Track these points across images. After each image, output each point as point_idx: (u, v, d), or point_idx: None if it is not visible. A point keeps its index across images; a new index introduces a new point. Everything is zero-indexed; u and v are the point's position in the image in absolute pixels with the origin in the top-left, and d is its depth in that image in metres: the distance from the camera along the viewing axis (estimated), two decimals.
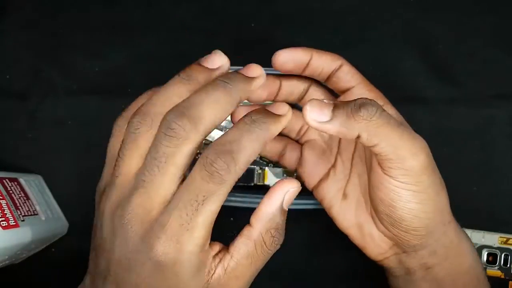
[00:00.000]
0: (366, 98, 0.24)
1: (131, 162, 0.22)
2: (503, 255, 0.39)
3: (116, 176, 0.22)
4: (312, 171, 0.32)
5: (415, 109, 0.40)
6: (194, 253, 0.21)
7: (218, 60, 0.25)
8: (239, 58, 0.42)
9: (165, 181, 0.21)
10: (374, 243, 0.30)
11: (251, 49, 0.42)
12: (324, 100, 0.24)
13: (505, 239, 0.39)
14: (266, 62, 0.42)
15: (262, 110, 0.23)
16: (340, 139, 0.32)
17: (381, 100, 0.29)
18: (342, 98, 0.30)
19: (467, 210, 0.40)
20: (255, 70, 0.25)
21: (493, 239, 0.39)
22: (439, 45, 0.41)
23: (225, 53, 0.41)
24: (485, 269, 0.39)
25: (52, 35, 0.42)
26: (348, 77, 0.29)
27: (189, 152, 0.21)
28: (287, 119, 0.23)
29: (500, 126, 0.40)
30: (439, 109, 0.41)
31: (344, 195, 0.31)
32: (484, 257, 0.39)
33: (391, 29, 0.41)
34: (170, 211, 0.21)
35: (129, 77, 0.41)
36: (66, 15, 0.42)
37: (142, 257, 0.21)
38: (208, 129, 0.22)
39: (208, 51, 0.42)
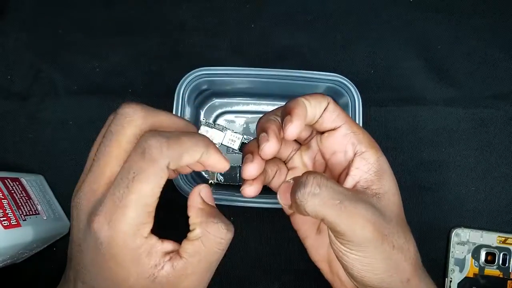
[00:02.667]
0: (304, 174, 0.24)
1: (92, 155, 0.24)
2: (501, 255, 0.39)
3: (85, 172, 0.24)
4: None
5: (414, 109, 0.41)
6: (129, 235, 0.21)
7: None
8: (238, 58, 0.42)
9: (110, 161, 0.22)
10: (341, 282, 0.30)
11: (251, 49, 0.42)
12: (290, 180, 0.25)
13: (503, 238, 0.39)
14: (266, 62, 0.42)
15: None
16: None
17: (366, 142, 0.27)
18: (326, 135, 0.28)
19: (466, 210, 0.40)
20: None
21: (491, 238, 0.39)
22: (438, 45, 0.41)
23: (225, 53, 0.42)
24: (483, 268, 0.39)
25: (53, 35, 0.42)
26: (334, 116, 0.27)
27: (132, 133, 0.23)
28: (225, 164, 0.25)
29: (498, 126, 0.40)
30: (437, 109, 0.41)
31: (318, 230, 0.31)
32: (483, 257, 0.39)
33: (390, 30, 0.41)
34: (109, 189, 0.22)
35: (129, 77, 0.41)
36: (66, 15, 0.42)
37: (88, 237, 0.22)
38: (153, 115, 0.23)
39: (208, 51, 0.42)
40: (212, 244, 0.23)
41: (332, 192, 0.23)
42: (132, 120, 0.23)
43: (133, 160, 0.21)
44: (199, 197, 0.25)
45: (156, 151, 0.21)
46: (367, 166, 0.26)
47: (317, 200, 0.23)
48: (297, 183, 0.24)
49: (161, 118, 0.24)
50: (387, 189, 0.26)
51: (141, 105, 0.23)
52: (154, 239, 0.23)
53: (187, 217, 0.33)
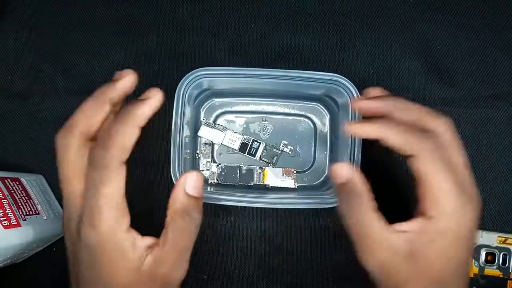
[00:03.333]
0: None
1: None
2: (501, 255, 0.39)
3: None
4: None
5: None
6: (110, 232, 0.25)
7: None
8: (238, 58, 0.42)
9: (73, 184, 0.26)
10: None
11: (251, 49, 0.42)
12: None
13: (503, 238, 0.39)
14: (266, 62, 0.42)
15: (134, 100, 0.26)
16: None
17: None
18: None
19: None
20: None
21: (491, 238, 0.39)
22: (438, 45, 0.41)
23: (225, 53, 0.42)
24: (483, 268, 0.39)
25: (53, 35, 0.42)
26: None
27: (73, 153, 0.26)
28: (154, 102, 0.26)
29: (498, 126, 0.40)
30: (437, 109, 0.40)
31: None
32: (483, 257, 0.39)
33: (390, 30, 0.41)
34: (83, 203, 0.25)
35: None
36: (67, 15, 0.42)
37: (80, 247, 0.25)
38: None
39: (208, 51, 0.42)
40: (176, 235, 0.26)
41: None
42: (66, 144, 0.26)
43: (89, 173, 0.25)
44: (183, 184, 0.27)
45: (100, 158, 0.24)
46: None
47: None
48: None
49: (80, 123, 0.26)
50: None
51: (61, 130, 0.26)
52: (134, 233, 0.26)
53: None
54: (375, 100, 0.29)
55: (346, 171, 0.27)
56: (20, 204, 0.35)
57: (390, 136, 0.26)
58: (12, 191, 0.35)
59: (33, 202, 0.36)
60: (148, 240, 0.26)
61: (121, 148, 0.25)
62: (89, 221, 0.25)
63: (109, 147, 0.24)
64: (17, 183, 0.36)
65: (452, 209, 0.25)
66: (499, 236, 0.39)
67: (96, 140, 0.25)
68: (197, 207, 0.27)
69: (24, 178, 0.38)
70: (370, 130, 0.27)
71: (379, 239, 0.26)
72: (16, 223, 0.33)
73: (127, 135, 0.25)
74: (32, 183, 0.38)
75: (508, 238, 0.39)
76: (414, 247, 0.26)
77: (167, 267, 0.26)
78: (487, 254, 0.39)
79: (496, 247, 0.39)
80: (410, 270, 0.26)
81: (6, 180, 0.35)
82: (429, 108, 0.28)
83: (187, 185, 0.27)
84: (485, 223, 0.40)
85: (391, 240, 0.26)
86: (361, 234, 0.26)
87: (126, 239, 0.25)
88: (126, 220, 0.26)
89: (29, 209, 0.35)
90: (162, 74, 0.42)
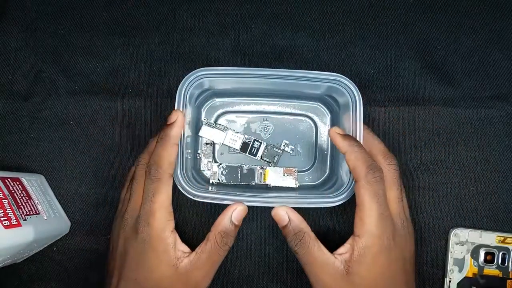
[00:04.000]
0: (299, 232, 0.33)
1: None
2: (500, 254, 0.39)
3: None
4: None
5: (413, 109, 0.41)
6: (161, 229, 0.32)
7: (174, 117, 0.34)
8: (238, 58, 0.42)
9: (138, 195, 0.34)
10: None
11: (251, 49, 0.42)
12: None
13: (502, 238, 0.39)
14: (266, 62, 0.42)
15: (166, 126, 0.34)
16: None
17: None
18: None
19: (465, 210, 0.40)
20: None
21: (490, 238, 0.39)
22: (438, 45, 0.41)
23: (225, 53, 0.42)
24: (482, 268, 0.39)
25: (53, 36, 0.42)
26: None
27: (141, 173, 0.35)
28: (178, 123, 0.34)
29: (497, 126, 0.41)
30: (437, 109, 0.41)
31: None
32: (482, 256, 0.39)
33: (390, 30, 0.42)
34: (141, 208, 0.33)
35: (130, 77, 0.41)
36: (67, 16, 0.42)
37: (133, 241, 0.33)
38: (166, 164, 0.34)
39: (208, 51, 0.42)
40: (214, 248, 0.33)
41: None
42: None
43: (146, 185, 0.33)
44: (231, 213, 0.33)
45: (157, 174, 0.33)
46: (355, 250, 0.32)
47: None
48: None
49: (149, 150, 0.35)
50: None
51: (145, 153, 0.36)
52: (177, 236, 0.33)
53: (188, 213, 0.41)
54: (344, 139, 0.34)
55: (284, 216, 0.33)
56: (20, 204, 0.34)
57: (348, 155, 0.33)
58: (13, 191, 0.35)
59: (34, 202, 0.36)
60: (185, 247, 0.33)
61: (168, 164, 0.33)
62: (146, 220, 0.32)
63: (162, 165, 0.33)
64: (18, 183, 0.36)
65: (373, 229, 0.31)
66: (498, 236, 0.39)
67: (150, 161, 0.33)
68: (235, 232, 0.34)
69: (25, 178, 0.37)
70: (340, 143, 0.34)
71: (321, 264, 0.32)
72: (16, 223, 0.33)
73: (171, 154, 0.33)
74: (33, 183, 0.38)
75: (507, 237, 0.39)
76: (348, 265, 0.31)
77: (200, 273, 0.32)
78: (486, 253, 0.39)
79: (495, 247, 0.39)
80: None
81: (6, 180, 0.35)
82: (386, 149, 0.35)
83: (234, 214, 0.33)
84: (484, 223, 0.40)
85: (331, 264, 0.32)
86: (308, 262, 0.32)
87: (170, 237, 0.32)
88: (172, 223, 0.33)
89: (29, 209, 0.35)
90: (163, 74, 0.42)
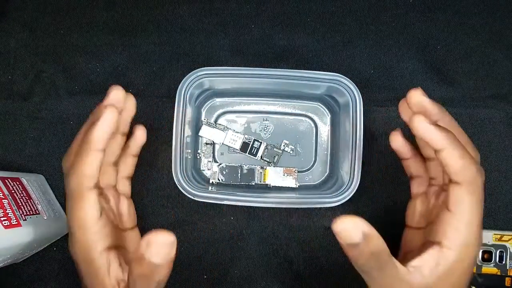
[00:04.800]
0: None
1: None
2: (498, 252, 0.39)
3: None
4: None
5: None
6: (85, 253, 0.28)
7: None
8: (238, 58, 0.42)
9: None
10: None
11: (251, 49, 0.42)
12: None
13: (499, 235, 0.39)
14: (266, 62, 0.42)
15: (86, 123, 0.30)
16: None
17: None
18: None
19: None
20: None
21: (487, 236, 0.39)
22: (438, 45, 0.41)
23: (225, 53, 0.42)
24: (480, 267, 0.39)
25: (53, 36, 0.42)
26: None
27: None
28: (106, 119, 0.26)
29: (498, 126, 0.41)
30: None
31: None
32: (479, 255, 0.39)
33: (390, 30, 0.42)
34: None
35: (130, 77, 0.41)
36: (67, 16, 0.42)
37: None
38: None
39: (208, 51, 0.42)
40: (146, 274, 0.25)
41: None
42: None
43: (66, 198, 0.27)
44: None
45: (72, 185, 0.26)
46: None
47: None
48: None
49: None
50: None
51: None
52: (112, 257, 0.27)
53: (189, 213, 0.39)
54: (436, 130, 0.26)
55: (356, 231, 0.24)
56: (20, 204, 0.34)
57: (448, 153, 0.26)
58: (13, 191, 0.35)
59: (33, 202, 0.36)
60: (123, 274, 0.27)
61: (86, 177, 0.26)
62: (70, 241, 0.28)
63: (78, 176, 0.26)
64: (18, 183, 0.36)
65: (473, 241, 0.26)
66: (494, 234, 0.39)
67: (67, 168, 0.28)
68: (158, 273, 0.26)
69: (25, 178, 0.37)
70: (435, 136, 0.26)
71: (400, 283, 0.26)
72: (16, 223, 0.33)
73: (92, 163, 0.26)
74: (33, 183, 0.38)
75: (504, 235, 0.39)
76: (428, 281, 0.26)
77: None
78: (483, 252, 0.39)
79: (493, 245, 0.39)
80: None
81: (6, 180, 0.35)
82: (470, 141, 0.29)
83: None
84: (484, 223, 0.40)
85: (407, 282, 0.26)
86: (382, 284, 0.26)
87: (100, 259, 0.27)
88: (101, 243, 0.27)
89: (29, 209, 0.35)
90: (162, 75, 0.42)
